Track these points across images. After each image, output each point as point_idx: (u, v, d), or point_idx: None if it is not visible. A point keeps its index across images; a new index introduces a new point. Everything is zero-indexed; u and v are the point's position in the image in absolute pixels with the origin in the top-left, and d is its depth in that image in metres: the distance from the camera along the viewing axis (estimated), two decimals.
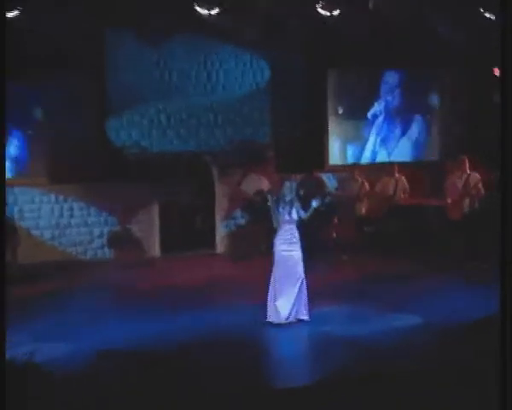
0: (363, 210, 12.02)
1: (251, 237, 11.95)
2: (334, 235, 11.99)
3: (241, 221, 12.69)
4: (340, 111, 13.04)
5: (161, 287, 9.86)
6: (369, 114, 13.20)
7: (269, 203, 7.83)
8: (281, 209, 7.82)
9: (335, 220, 12.00)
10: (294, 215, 7.88)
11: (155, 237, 12.44)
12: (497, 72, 11.35)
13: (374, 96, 13.20)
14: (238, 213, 12.68)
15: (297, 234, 7.88)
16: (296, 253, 7.85)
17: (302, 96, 12.27)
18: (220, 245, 12.70)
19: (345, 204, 11.91)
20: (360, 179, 12.05)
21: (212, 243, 12.65)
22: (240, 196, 12.34)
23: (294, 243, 7.85)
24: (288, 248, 7.82)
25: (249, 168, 12.21)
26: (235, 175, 12.47)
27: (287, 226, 7.84)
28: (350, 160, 13.14)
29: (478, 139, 11.69)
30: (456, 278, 9.57)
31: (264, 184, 11.97)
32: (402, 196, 11.93)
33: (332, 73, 12.92)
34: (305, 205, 7.89)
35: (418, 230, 11.35)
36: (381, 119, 13.22)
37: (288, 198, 7.82)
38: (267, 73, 12.50)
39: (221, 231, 12.72)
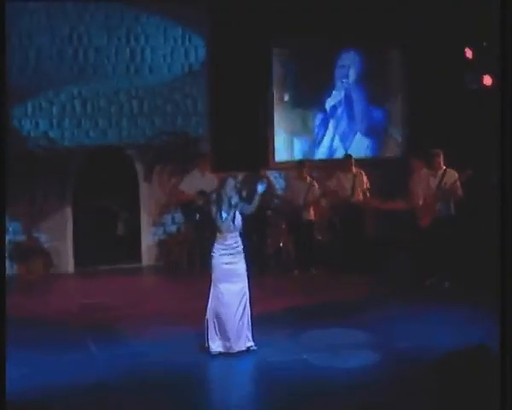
0: (316, 214, 11.41)
1: (185, 246, 11.63)
2: (281, 244, 11.41)
3: (173, 228, 12.19)
4: (286, 98, 12.58)
5: (75, 309, 9.29)
6: (328, 105, 12.79)
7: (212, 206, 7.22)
8: (224, 214, 7.11)
9: (283, 227, 11.40)
10: (239, 221, 7.19)
11: (68, 248, 11.86)
12: (469, 53, 10.78)
13: (327, 81, 12.76)
14: (168, 218, 12.20)
15: (241, 243, 7.25)
16: (240, 265, 7.22)
17: (243, 80, 11.65)
18: (147, 257, 12.17)
19: (294, 208, 11.26)
20: (311, 178, 11.42)
21: (136, 254, 12.14)
22: (172, 197, 11.85)
23: (238, 253, 7.22)
24: (232, 260, 7.17)
25: (192, 164, 11.69)
26: (165, 173, 11.98)
27: (230, 234, 7.17)
28: (299, 155, 12.57)
29: (450, 131, 11.19)
30: (429, 298, 9.15)
31: (210, 183, 11.17)
32: (361, 195, 11.32)
33: (278, 52, 12.46)
34: (249, 199, 7.39)
35: (382, 238, 11.02)
36: (340, 108, 12.86)
37: (233, 201, 7.12)
38: (202, 53, 12.06)
39: (148, 240, 12.19)
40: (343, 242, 11.18)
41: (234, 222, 7.13)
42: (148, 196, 12.13)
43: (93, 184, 11.76)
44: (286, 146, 12.69)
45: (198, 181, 11.30)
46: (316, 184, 11.32)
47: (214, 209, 7.16)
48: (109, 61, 11.75)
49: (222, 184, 7.26)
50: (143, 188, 12.11)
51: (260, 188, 7.19)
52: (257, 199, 7.24)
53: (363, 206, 11.32)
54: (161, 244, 12.14)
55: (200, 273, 9.79)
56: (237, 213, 7.15)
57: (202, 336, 7.26)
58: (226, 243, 7.16)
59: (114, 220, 12.45)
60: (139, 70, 11.87)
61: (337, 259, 11.05)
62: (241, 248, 7.23)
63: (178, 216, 11.98)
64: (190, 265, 11.22)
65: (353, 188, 11.26)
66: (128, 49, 11.81)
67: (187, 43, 12.06)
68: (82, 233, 11.99)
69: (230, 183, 7.17)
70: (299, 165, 11.57)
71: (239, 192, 7.37)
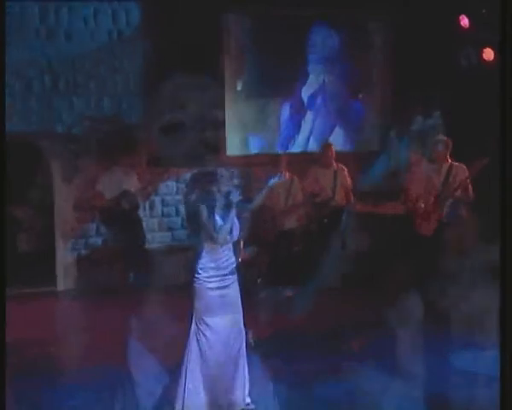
0: (290, 220, 10.89)
1: (113, 263, 11.04)
2: (240, 259, 10.51)
3: (97, 240, 11.52)
4: (240, 86, 12.15)
5: None
6: (305, 94, 12.39)
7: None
8: (218, 219, 5.91)
9: (245, 237, 10.53)
10: (237, 229, 6.08)
11: None
12: (465, 22, 10.57)
13: (294, 60, 12.26)
14: (93, 227, 11.52)
15: (234, 259, 6.20)
16: (234, 290, 6.13)
17: (186, 50, 11.00)
18: (63, 278, 11.46)
19: (260, 212, 10.18)
20: (291, 175, 10.87)
21: (49, 275, 11.44)
22: (95, 200, 11.07)
23: (231, 273, 6.12)
24: (224, 283, 6.06)
25: (110, 160, 11.02)
26: (88, 170, 11.20)
27: (225, 248, 6.07)
28: (256, 149, 12.15)
29: (444, 116, 11.13)
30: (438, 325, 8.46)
31: (133, 182, 10.92)
32: (344, 196, 10.85)
33: (228, 19, 11.93)
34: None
35: (374, 250, 10.57)
36: (313, 95, 12.55)
37: (234, 198, 5.97)
38: (135, 16, 11.50)
39: (65, 257, 11.49)
40: (323, 255, 10.43)
41: (232, 231, 6.01)
42: (66, 199, 11.37)
43: None
44: (241, 137, 12.20)
45: (120, 180, 10.90)
46: (298, 182, 10.92)
47: (205, 214, 5.97)
48: (13, 23, 10.63)
49: (210, 178, 6.07)
50: (59, 189, 11.42)
51: (273, 180, 6.52)
52: (263, 194, 6.44)
53: (347, 209, 10.85)
54: (83, 262, 11.45)
55: (138, 300, 9.24)
56: (235, 218, 6.05)
57: (156, 386, 6.31)
58: (219, 259, 6.07)
59: (17, 232, 12.12)
60: (53, 36, 11.15)
61: (316, 276, 10.16)
62: (234, 266, 6.14)
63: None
64: (124, 287, 10.50)
65: (334, 187, 10.73)
66: (37, 9, 11.06)
67: (115, 3, 11.48)
68: None
69: (224, 174, 6.03)
70: (278, 158, 11.04)
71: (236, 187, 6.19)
